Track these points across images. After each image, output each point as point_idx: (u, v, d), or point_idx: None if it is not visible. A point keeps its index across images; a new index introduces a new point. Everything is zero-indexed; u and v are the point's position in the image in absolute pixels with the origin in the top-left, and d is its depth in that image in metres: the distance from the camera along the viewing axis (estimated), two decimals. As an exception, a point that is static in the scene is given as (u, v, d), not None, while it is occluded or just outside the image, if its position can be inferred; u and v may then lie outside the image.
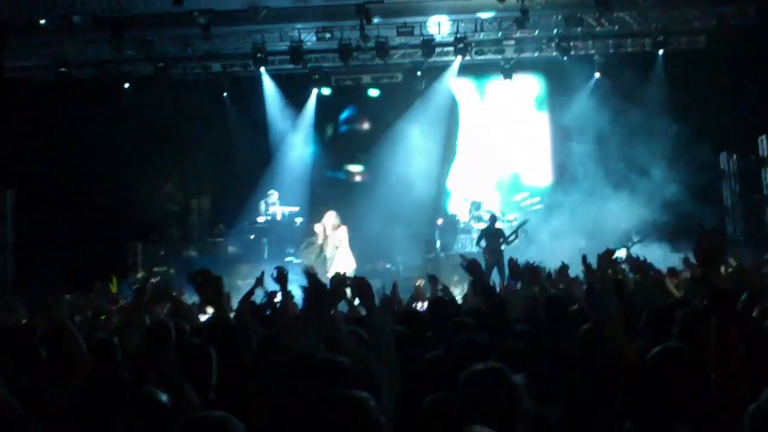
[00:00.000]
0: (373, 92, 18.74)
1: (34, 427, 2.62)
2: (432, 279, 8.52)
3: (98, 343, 4.59)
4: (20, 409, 2.54)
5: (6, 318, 8.36)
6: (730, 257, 8.67)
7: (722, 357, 2.91)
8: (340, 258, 15.16)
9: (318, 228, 15.74)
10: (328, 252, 15.42)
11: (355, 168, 19.02)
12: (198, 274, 3.88)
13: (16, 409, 2.49)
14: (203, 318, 6.92)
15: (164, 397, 2.65)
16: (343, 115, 19.30)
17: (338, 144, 19.04)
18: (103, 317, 7.03)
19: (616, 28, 16.70)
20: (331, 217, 15.62)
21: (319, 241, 15.63)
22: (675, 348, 3.00)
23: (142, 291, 5.86)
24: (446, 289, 8.65)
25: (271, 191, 17.15)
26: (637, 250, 13.41)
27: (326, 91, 18.30)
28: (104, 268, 14.04)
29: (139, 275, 15.05)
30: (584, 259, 7.33)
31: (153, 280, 12.86)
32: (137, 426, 2.56)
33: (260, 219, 16.90)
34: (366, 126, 19.15)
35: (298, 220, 17.09)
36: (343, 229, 15.50)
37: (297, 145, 18.49)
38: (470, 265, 5.35)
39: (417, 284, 10.83)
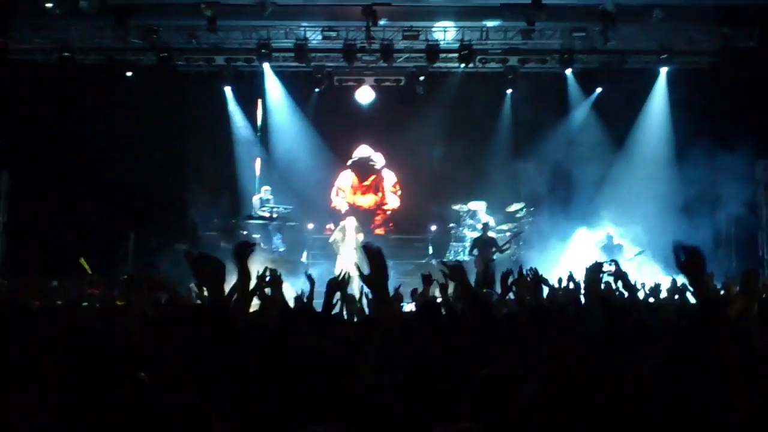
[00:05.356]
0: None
1: None
2: (426, 279, 7.46)
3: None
4: None
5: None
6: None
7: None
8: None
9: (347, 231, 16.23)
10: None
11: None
12: (198, 255, 3.62)
13: None
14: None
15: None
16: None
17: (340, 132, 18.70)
18: (84, 303, 6.98)
19: (621, 43, 16.70)
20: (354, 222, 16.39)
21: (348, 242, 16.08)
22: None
23: (131, 281, 5.85)
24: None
25: (265, 187, 17.10)
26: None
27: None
28: (95, 254, 14.03)
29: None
30: (570, 276, 7.39)
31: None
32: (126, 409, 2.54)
33: (254, 215, 16.86)
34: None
35: (292, 222, 17.16)
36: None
37: (296, 141, 18.38)
38: (452, 272, 4.67)
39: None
